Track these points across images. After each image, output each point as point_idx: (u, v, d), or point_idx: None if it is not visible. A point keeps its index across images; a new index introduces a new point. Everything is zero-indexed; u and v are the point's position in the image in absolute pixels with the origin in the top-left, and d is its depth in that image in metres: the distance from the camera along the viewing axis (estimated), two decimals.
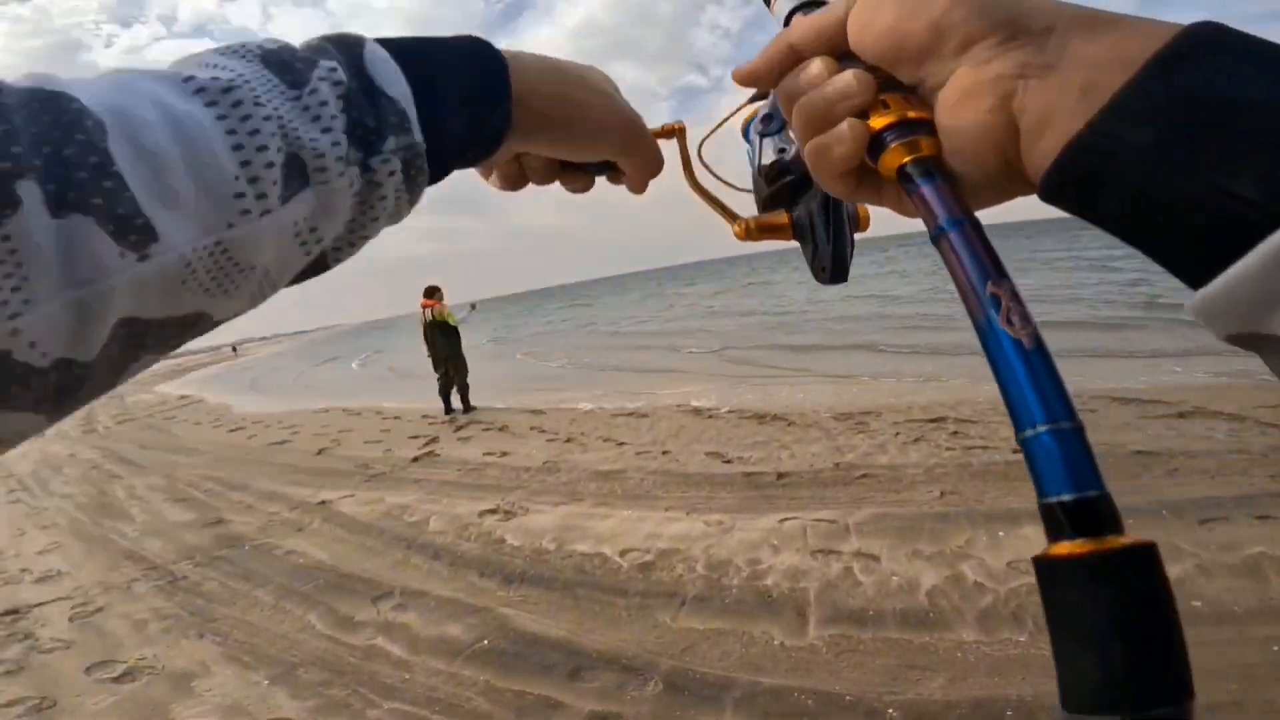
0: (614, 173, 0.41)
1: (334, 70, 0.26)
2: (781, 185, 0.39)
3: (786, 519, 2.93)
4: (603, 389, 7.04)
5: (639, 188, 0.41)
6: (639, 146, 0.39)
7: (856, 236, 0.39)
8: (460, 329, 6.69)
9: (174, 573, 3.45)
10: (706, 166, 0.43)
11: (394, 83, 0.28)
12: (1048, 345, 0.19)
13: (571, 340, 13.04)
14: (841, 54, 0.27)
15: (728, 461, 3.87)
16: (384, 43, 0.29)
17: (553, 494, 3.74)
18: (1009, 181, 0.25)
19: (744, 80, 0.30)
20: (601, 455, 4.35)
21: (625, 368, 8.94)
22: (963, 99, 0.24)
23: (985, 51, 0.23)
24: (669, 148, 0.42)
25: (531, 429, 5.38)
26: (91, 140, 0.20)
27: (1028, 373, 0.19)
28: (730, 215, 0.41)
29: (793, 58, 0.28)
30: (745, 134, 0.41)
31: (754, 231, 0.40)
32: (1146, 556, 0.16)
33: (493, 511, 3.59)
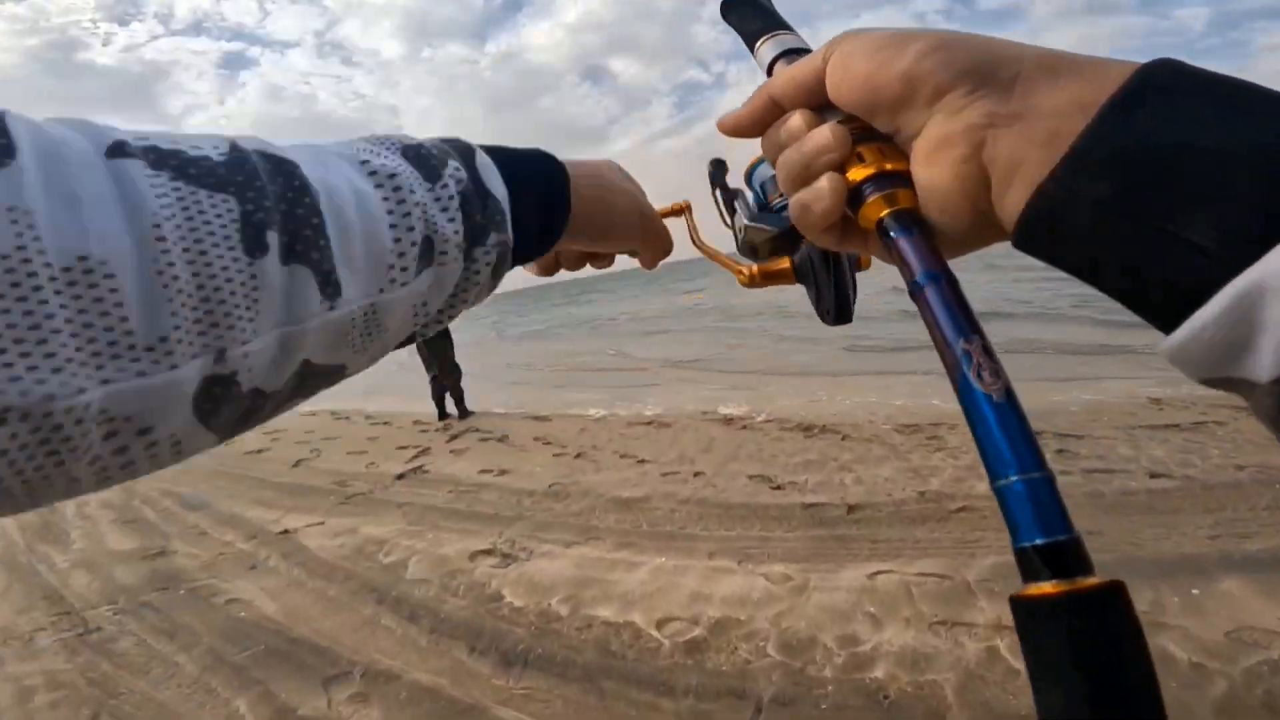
0: (631, 253, 0.47)
1: (458, 170, 0.31)
2: (770, 237, 0.39)
3: (878, 572, 2.20)
4: (614, 392, 6.29)
5: (651, 265, 0.47)
6: (655, 237, 0.45)
7: (859, 275, 0.41)
8: (450, 327, 6.07)
9: (88, 622, 2.74)
10: (703, 248, 0.49)
11: (497, 187, 0.33)
12: (1018, 397, 0.20)
13: (577, 337, 12.27)
14: (821, 105, 0.28)
15: (778, 488, 3.14)
16: (486, 150, 0.34)
17: (562, 528, 3.02)
18: (985, 230, 0.25)
19: (729, 131, 0.31)
20: (619, 476, 3.62)
21: (637, 368, 8.11)
22: (936, 149, 0.24)
23: (956, 101, 0.23)
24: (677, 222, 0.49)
25: (535, 440, 4.66)
26: (315, 204, 0.25)
27: (999, 425, 0.20)
28: (735, 267, 0.44)
29: (774, 110, 0.30)
30: (749, 179, 0.41)
31: (758, 279, 0.43)
32: (1115, 595, 0.17)
33: (488, 553, 2.86)
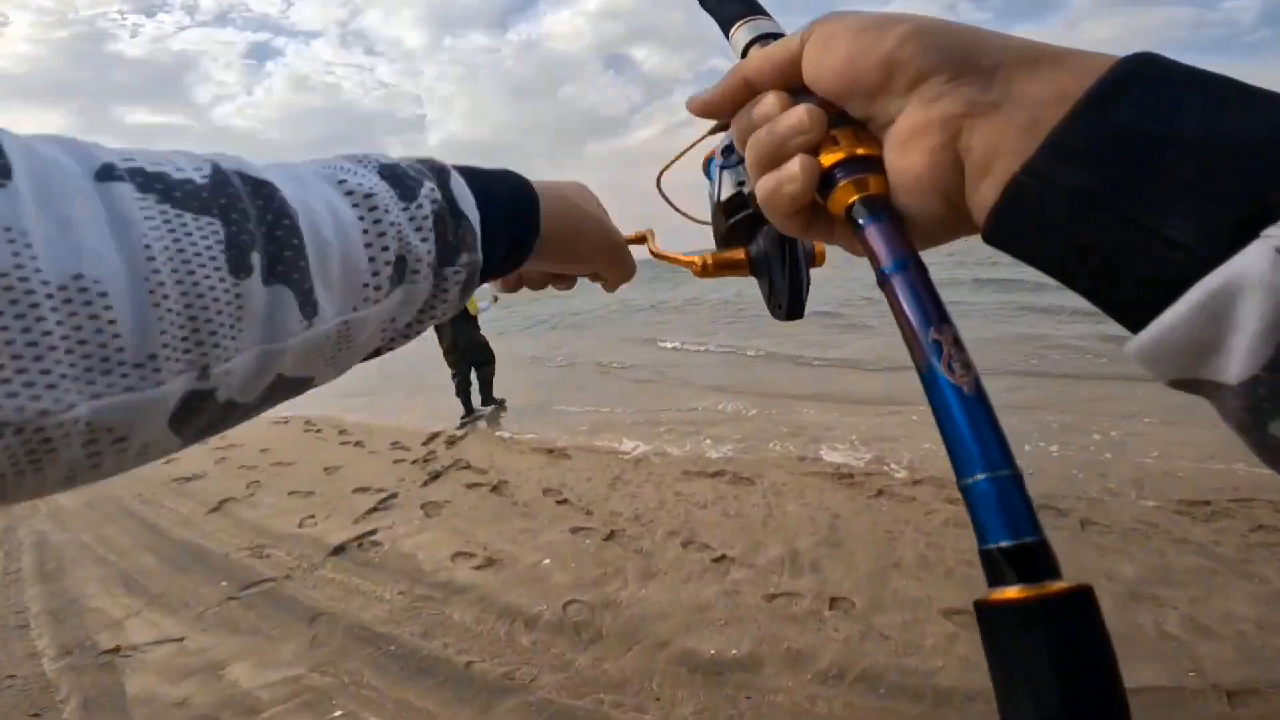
0: (594, 277, 0.47)
1: (433, 190, 0.31)
2: (739, 220, 0.38)
3: None
4: (654, 415, 4.43)
5: (613, 289, 0.47)
6: (619, 262, 0.45)
7: (813, 272, 0.40)
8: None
9: None
10: (666, 198, 0.44)
11: (470, 208, 0.33)
12: (987, 392, 0.19)
13: (599, 337, 10.28)
14: (796, 88, 0.27)
15: None
16: (459, 170, 0.35)
17: None
18: (956, 222, 0.24)
19: (699, 112, 0.30)
20: (689, 595, 2.06)
21: (680, 380, 5.72)
22: (911, 137, 0.23)
23: (934, 89, 0.22)
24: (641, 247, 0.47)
25: (544, 493, 3.11)
26: (294, 225, 0.25)
27: (968, 420, 0.19)
28: (686, 260, 0.43)
29: (747, 91, 0.28)
30: (706, 169, 0.40)
31: (711, 269, 0.41)
32: (1084, 600, 0.16)
33: None
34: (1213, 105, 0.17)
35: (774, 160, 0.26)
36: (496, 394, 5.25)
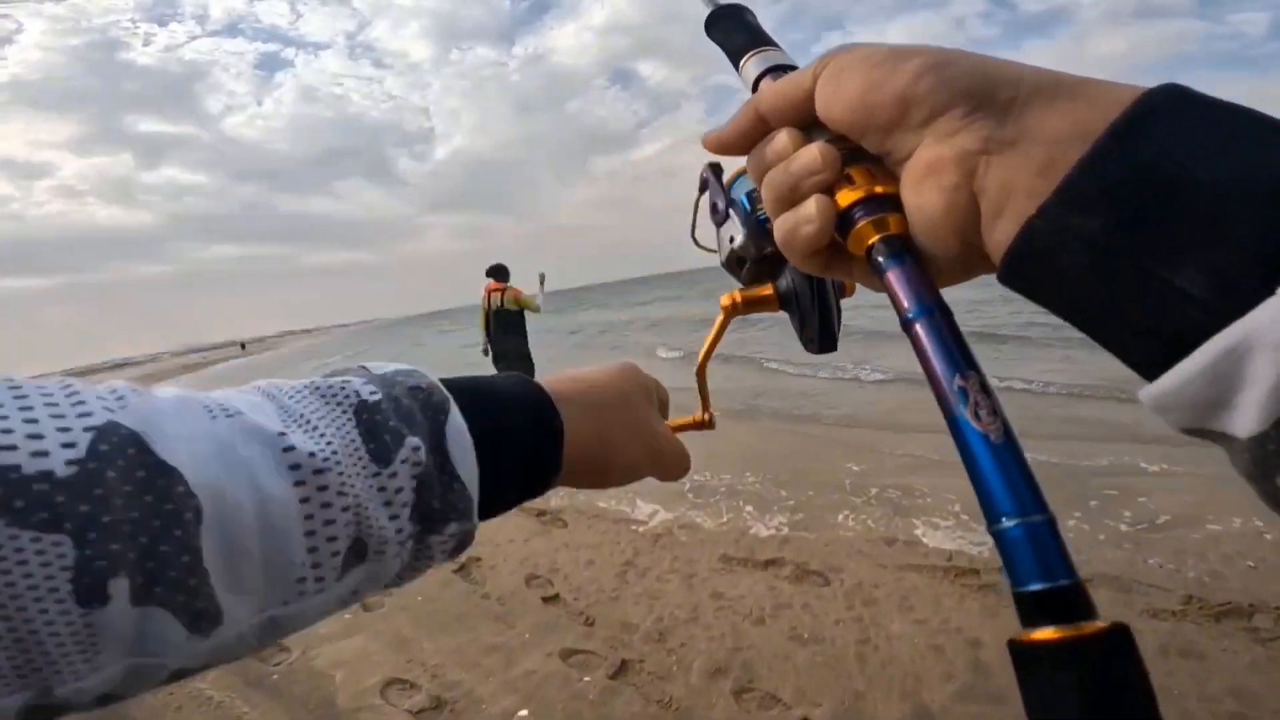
0: None
1: (417, 450, 0.26)
2: (770, 252, 0.37)
3: None
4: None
5: (667, 481, 0.40)
6: (664, 468, 0.38)
7: (843, 302, 0.39)
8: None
9: None
10: (703, 246, 0.43)
11: (465, 465, 0.27)
12: (1017, 437, 0.19)
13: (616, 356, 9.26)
14: (809, 124, 0.26)
15: None
16: (458, 395, 0.28)
17: None
18: (973, 261, 0.23)
19: (714, 148, 0.30)
20: None
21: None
22: (927, 174, 0.22)
23: (951, 124, 0.22)
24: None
25: (528, 582, 2.23)
26: (186, 538, 0.20)
27: (997, 467, 0.19)
28: (719, 323, 0.42)
29: (761, 127, 0.28)
30: (731, 187, 0.39)
31: (740, 306, 0.41)
32: (1121, 640, 0.16)
33: None
34: (1234, 145, 0.17)
35: (790, 200, 0.26)
36: None
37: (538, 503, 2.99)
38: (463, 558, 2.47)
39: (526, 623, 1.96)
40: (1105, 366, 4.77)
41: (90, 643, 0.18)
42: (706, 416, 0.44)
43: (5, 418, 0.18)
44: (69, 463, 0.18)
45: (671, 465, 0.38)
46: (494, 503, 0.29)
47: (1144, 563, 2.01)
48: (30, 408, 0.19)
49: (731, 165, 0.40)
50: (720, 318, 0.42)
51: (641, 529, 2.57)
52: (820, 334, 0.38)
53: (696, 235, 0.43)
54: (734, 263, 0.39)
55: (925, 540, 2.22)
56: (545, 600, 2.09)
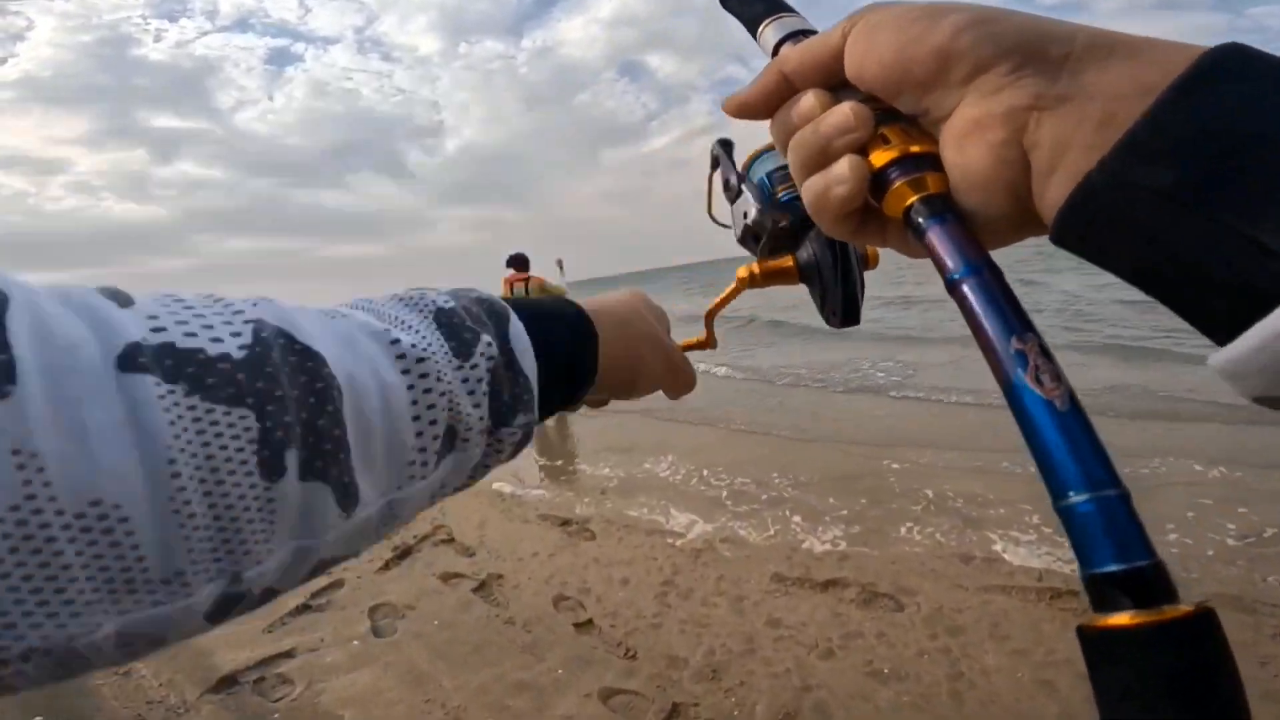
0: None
1: (490, 345, 0.29)
2: (785, 226, 0.37)
3: None
4: (710, 468, 2.97)
5: (675, 398, 0.44)
6: (677, 380, 0.42)
7: (866, 275, 0.39)
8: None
9: None
10: (720, 222, 0.44)
11: (527, 362, 0.31)
12: (1082, 404, 0.18)
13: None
14: (837, 85, 0.26)
15: None
16: (518, 311, 0.32)
17: None
18: (1023, 221, 0.23)
19: (735, 112, 0.29)
20: None
21: (730, 423, 3.97)
22: (971, 132, 0.22)
23: (996, 80, 0.21)
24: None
25: (556, 604, 2.00)
26: (337, 413, 0.22)
27: (1063, 437, 0.17)
28: (735, 287, 0.43)
29: (786, 89, 0.27)
30: (749, 170, 0.40)
31: (759, 278, 0.41)
32: (1207, 623, 0.15)
33: None
34: None
35: (820, 162, 0.25)
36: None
37: (561, 510, 2.76)
38: (483, 575, 2.24)
39: (558, 655, 1.73)
40: (1107, 372, 4.43)
41: (270, 519, 0.21)
42: (708, 338, 0.45)
43: (178, 315, 0.21)
44: (241, 348, 0.21)
45: (684, 379, 0.42)
46: (543, 404, 0.32)
47: (1263, 580, 1.75)
48: (192, 306, 0.22)
49: (742, 142, 0.41)
50: (733, 285, 0.43)
51: (679, 542, 2.33)
52: (844, 306, 0.37)
53: (713, 212, 0.44)
54: (749, 238, 0.40)
55: (1007, 557, 1.95)
56: (577, 627, 1.85)
